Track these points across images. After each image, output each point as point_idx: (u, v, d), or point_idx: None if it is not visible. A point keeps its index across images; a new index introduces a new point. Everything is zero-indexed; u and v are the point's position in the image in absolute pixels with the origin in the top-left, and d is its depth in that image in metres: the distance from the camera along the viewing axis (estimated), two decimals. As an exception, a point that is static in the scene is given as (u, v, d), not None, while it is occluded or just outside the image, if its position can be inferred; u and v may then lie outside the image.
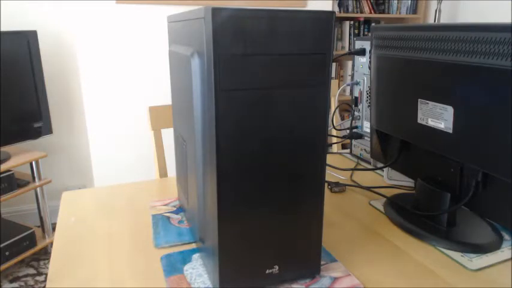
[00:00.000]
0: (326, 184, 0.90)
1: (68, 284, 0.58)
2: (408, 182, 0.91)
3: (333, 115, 1.26)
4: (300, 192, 0.53)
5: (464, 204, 0.66)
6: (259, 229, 0.52)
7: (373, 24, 2.40)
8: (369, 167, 1.03)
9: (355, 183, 0.93)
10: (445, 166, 0.69)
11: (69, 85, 2.14)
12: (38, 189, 1.84)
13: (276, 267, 0.54)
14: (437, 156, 0.68)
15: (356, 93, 1.07)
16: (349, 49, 2.84)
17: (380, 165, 0.93)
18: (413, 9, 2.89)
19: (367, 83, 1.01)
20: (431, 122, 0.66)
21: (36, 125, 1.79)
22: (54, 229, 1.91)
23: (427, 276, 0.59)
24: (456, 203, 0.68)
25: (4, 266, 1.64)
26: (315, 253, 0.56)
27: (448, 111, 0.62)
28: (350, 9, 2.77)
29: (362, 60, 1.03)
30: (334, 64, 2.84)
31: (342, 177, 0.97)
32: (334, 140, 1.28)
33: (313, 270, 0.57)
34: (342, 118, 2.67)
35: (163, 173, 1.12)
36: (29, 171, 1.81)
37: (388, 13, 2.91)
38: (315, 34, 0.48)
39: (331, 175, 0.98)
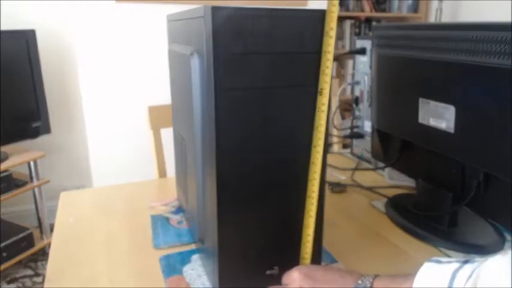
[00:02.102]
0: (326, 184, 0.90)
1: (66, 284, 0.57)
2: (409, 182, 0.90)
3: (334, 115, 1.26)
4: (300, 192, 0.52)
5: (465, 205, 0.66)
6: (259, 229, 0.52)
7: (374, 23, 2.38)
8: (370, 166, 1.03)
9: (356, 183, 0.92)
10: (447, 166, 0.68)
11: (68, 85, 2.13)
12: (36, 189, 1.83)
13: (276, 267, 0.54)
14: (438, 156, 0.68)
15: (357, 93, 1.07)
16: (349, 48, 2.83)
17: (381, 165, 0.93)
18: (414, 8, 2.88)
19: (368, 82, 1.01)
20: (432, 122, 0.66)
21: (34, 124, 1.78)
22: (52, 230, 1.90)
23: (428, 277, 0.59)
24: (458, 203, 0.67)
25: (2, 267, 1.63)
26: (315, 253, 0.56)
27: (450, 111, 0.62)
28: (351, 8, 2.77)
29: (363, 60, 1.03)
30: (334, 63, 2.83)
31: (342, 177, 0.97)
32: (335, 139, 1.28)
33: (313, 272, 0.57)
34: (343, 118, 2.67)
35: (162, 173, 1.11)
36: (27, 171, 1.81)
37: (389, 12, 2.91)
38: (315, 33, 0.48)
39: (331, 175, 0.98)
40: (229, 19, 0.44)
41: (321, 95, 0.49)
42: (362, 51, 1.02)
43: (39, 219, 1.87)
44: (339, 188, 0.88)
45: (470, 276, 0.35)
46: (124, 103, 2.01)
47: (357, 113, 1.08)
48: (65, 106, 2.16)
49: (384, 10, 2.91)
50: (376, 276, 0.44)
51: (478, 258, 0.37)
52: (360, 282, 0.44)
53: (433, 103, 0.65)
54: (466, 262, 0.37)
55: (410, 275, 0.40)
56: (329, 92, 0.49)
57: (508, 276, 0.32)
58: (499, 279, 0.32)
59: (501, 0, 2.35)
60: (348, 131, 1.11)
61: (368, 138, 1.03)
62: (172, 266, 0.60)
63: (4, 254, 1.65)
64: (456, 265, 0.37)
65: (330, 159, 1.10)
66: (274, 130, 0.49)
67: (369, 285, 0.43)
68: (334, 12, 0.46)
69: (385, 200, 0.83)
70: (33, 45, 1.73)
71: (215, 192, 0.48)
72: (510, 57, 0.51)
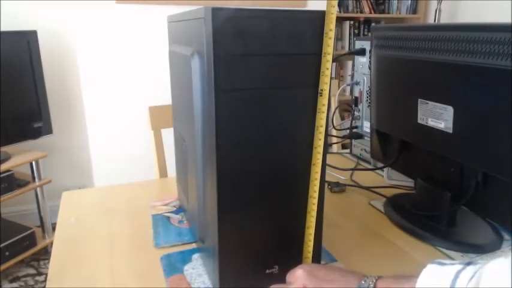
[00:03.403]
0: (326, 184, 0.90)
1: (68, 284, 0.58)
2: (408, 182, 0.91)
3: (333, 115, 1.26)
4: (300, 192, 0.53)
5: (464, 204, 0.66)
6: (259, 229, 0.52)
7: (373, 24, 2.39)
8: (369, 167, 1.03)
9: (355, 183, 0.93)
10: (445, 166, 0.69)
11: (69, 85, 2.14)
12: (38, 189, 1.84)
13: (276, 267, 0.54)
14: (437, 156, 0.68)
15: (356, 93, 1.07)
16: (349, 49, 2.84)
17: (380, 165, 0.93)
18: (413, 9, 2.89)
19: (367, 83, 1.01)
20: (431, 122, 0.66)
21: (36, 125, 1.79)
22: (54, 229, 1.90)
23: (427, 276, 0.59)
24: (456, 202, 0.67)
25: (4, 266, 1.64)
26: (315, 253, 0.56)
27: (448, 111, 0.62)
28: (350, 9, 2.77)
29: (362, 60, 1.03)
30: (334, 64, 2.84)
31: (342, 177, 0.97)
32: (334, 140, 1.28)
33: (313, 270, 0.57)
34: (342, 118, 2.67)
35: (163, 173, 1.12)
36: (29, 171, 1.81)
37: (388, 13, 2.91)
38: (315, 34, 0.48)
39: (331, 175, 0.98)
40: (229, 20, 0.44)
41: (321, 95, 0.49)
42: (361, 52, 1.02)
43: (41, 218, 1.88)
44: (338, 188, 0.89)
45: (472, 277, 0.36)
46: (125, 103, 2.01)
47: (356, 113, 1.08)
48: (67, 107, 2.16)
49: (383, 11, 2.91)
50: (379, 277, 0.45)
51: (480, 260, 0.38)
52: (363, 282, 0.44)
53: (431, 104, 0.65)
54: (468, 264, 0.38)
55: (413, 276, 0.41)
56: (329, 92, 0.49)
57: (509, 278, 0.32)
58: (500, 280, 0.33)
59: (500, 1, 2.35)
60: (347, 132, 1.11)
61: (367, 139, 1.03)
62: (173, 265, 0.61)
63: (6, 253, 1.66)
64: (459, 267, 0.38)
65: (329, 159, 1.11)
66: (274, 131, 0.50)
67: (372, 285, 0.44)
68: (333, 14, 0.47)
69: (384, 199, 0.83)
70: (34, 46, 1.74)
71: (215, 192, 0.49)
72: (509, 58, 0.51)
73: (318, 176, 0.51)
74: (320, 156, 0.51)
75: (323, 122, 0.50)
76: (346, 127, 1.15)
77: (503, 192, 0.58)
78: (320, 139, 0.50)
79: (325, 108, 0.49)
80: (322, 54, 0.48)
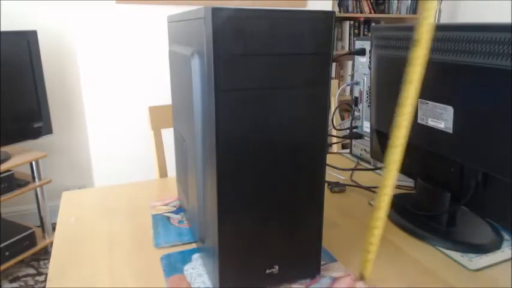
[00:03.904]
0: (326, 184, 0.90)
1: (68, 284, 0.58)
2: (408, 182, 0.91)
3: (333, 115, 1.26)
4: (300, 192, 0.53)
5: (464, 204, 0.66)
6: (259, 229, 0.52)
7: (373, 24, 2.39)
8: (369, 167, 1.03)
9: (355, 183, 0.93)
10: (445, 166, 0.69)
11: (69, 85, 2.14)
12: (38, 189, 1.84)
13: (276, 267, 0.54)
14: (437, 156, 0.68)
15: (356, 93, 1.07)
16: (349, 49, 2.84)
17: (380, 165, 0.93)
18: (413, 9, 2.89)
19: (367, 83, 1.01)
20: (431, 122, 0.66)
21: (36, 125, 1.79)
22: (54, 229, 1.91)
23: (427, 276, 0.59)
24: (456, 202, 0.67)
25: (4, 266, 1.64)
26: (315, 253, 0.56)
27: (448, 111, 0.62)
28: (350, 9, 2.77)
29: (362, 60, 1.03)
30: (334, 64, 2.84)
31: (342, 177, 0.97)
32: (334, 140, 1.28)
33: (313, 270, 0.57)
34: (342, 118, 2.67)
35: (163, 173, 1.12)
36: (29, 171, 1.81)
37: (388, 13, 2.91)
38: (315, 34, 0.48)
39: (331, 175, 0.98)
40: (229, 20, 0.44)
41: (417, 46, 0.44)
42: (361, 52, 1.02)
43: (41, 218, 1.88)
44: (338, 187, 0.89)
45: None
46: (125, 103, 2.01)
47: (356, 113, 1.08)
48: (66, 106, 2.16)
49: (383, 11, 2.91)
50: None
51: None
52: None
53: (431, 104, 0.65)
54: None
55: None
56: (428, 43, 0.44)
57: None
58: None
59: (500, 1, 2.35)
60: (347, 132, 1.11)
61: (367, 139, 1.03)
62: (173, 265, 0.61)
63: (6, 253, 1.66)
64: None
65: (329, 159, 1.11)
66: (274, 130, 0.50)
67: None
68: None
69: (384, 199, 0.83)
70: (34, 46, 1.74)
71: (215, 192, 0.49)
72: (509, 58, 0.51)
73: (397, 164, 0.48)
74: (402, 135, 0.48)
75: (416, 76, 0.45)
76: (346, 127, 1.15)
77: (503, 192, 0.59)
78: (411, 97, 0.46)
79: (422, 61, 0.44)
80: (425, 9, 0.44)
